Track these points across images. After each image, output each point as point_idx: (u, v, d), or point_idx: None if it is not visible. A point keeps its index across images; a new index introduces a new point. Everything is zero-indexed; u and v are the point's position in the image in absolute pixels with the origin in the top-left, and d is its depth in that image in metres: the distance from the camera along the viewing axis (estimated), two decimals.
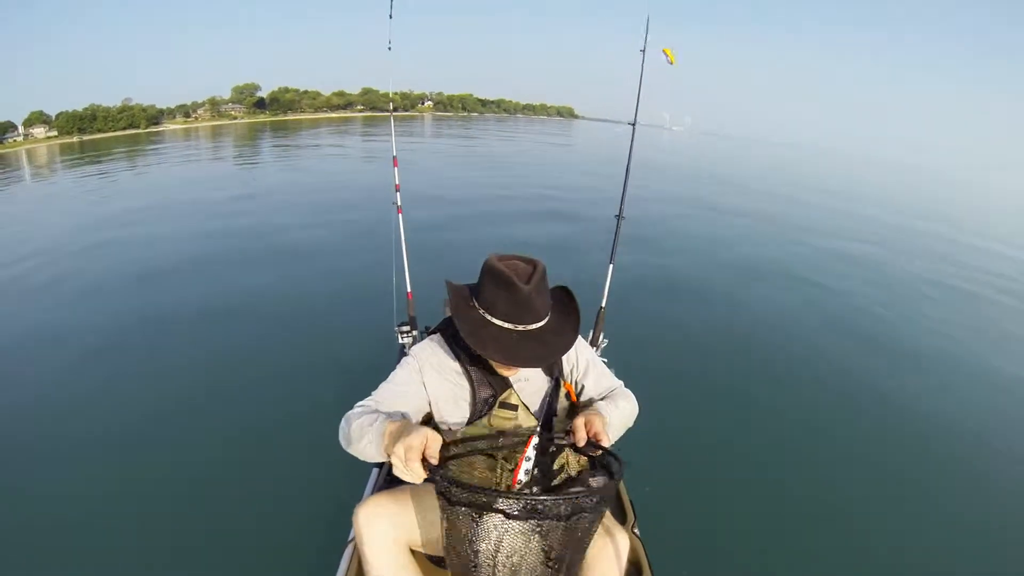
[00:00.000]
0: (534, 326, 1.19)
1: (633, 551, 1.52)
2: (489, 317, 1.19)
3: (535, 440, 1.22)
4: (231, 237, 7.82)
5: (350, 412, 1.23)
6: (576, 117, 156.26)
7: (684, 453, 3.07)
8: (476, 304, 1.22)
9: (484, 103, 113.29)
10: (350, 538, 1.51)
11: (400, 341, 2.75)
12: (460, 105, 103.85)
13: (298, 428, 3.20)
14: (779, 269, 7.51)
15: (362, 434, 1.15)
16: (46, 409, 3.45)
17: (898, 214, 16.25)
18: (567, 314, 1.30)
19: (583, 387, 1.47)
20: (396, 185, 2.96)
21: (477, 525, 1.00)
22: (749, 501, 2.80)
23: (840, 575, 2.41)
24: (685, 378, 4.09)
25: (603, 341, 2.79)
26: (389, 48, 3.02)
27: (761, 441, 3.35)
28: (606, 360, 1.71)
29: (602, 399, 1.45)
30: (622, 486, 1.82)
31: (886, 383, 4.27)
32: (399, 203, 2.93)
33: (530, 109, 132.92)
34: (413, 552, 1.31)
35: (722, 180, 20.29)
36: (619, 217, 2.84)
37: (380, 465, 1.86)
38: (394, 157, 3.05)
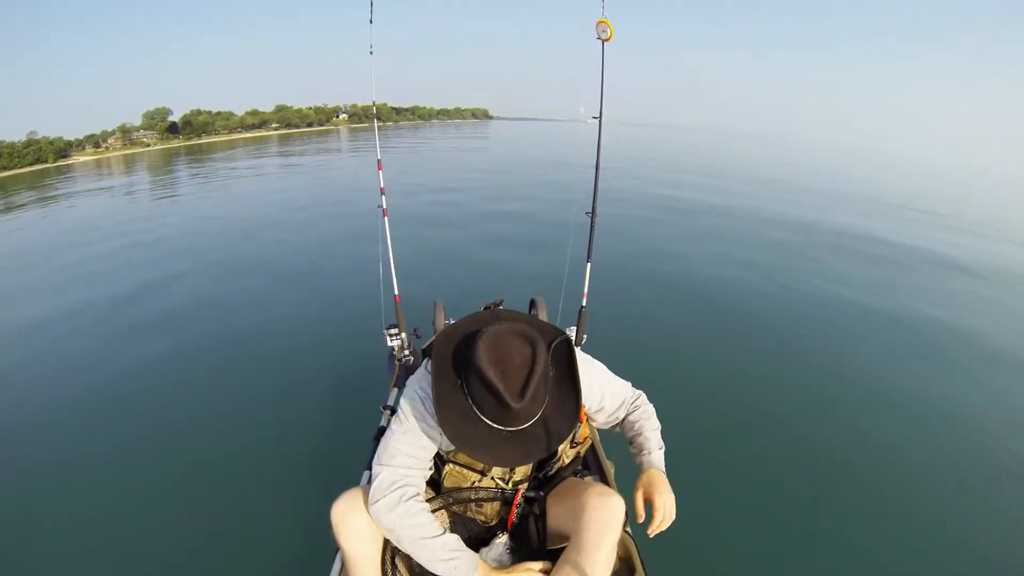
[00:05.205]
0: (525, 426, 1.13)
1: (626, 550, 1.53)
2: (478, 413, 1.13)
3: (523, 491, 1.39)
4: (211, 251, 8.02)
5: (398, 496, 1.21)
6: (491, 118, 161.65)
7: (672, 450, 2.65)
8: (465, 391, 1.14)
9: (398, 111, 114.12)
10: None
11: (389, 344, 2.76)
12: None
13: (291, 434, 3.26)
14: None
15: (438, 552, 1.21)
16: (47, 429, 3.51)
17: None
18: (565, 398, 1.19)
19: (600, 409, 1.45)
20: (381, 188, 2.91)
21: None
22: (740, 498, 2.78)
23: (831, 572, 2.40)
24: (672, 372, 3.99)
25: (584, 339, 2.82)
26: (371, 52, 2.87)
27: (751, 437, 3.29)
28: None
29: (632, 424, 1.47)
30: (613, 484, 1.79)
31: (879, 375, 4.13)
32: (384, 206, 2.88)
33: (444, 114, 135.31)
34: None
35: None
36: (592, 215, 2.76)
37: (371, 467, 1.97)
38: (378, 161, 2.97)
